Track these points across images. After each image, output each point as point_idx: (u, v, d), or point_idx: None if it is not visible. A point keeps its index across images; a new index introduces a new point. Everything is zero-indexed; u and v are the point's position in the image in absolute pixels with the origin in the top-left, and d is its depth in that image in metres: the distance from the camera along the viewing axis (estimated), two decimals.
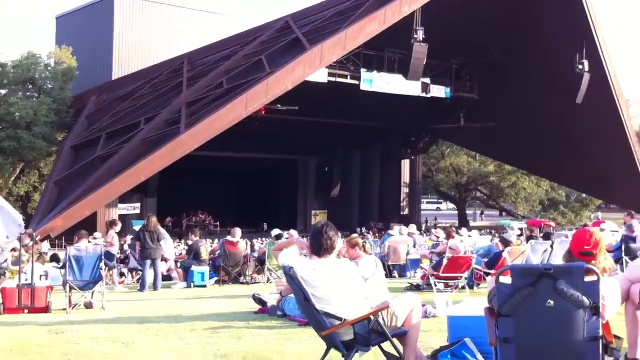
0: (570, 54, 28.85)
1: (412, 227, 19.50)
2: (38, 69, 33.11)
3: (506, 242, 12.04)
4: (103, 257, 10.36)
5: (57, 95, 31.63)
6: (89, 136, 28.22)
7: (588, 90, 28.32)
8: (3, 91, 33.21)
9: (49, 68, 33.75)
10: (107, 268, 14.61)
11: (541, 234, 17.61)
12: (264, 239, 25.20)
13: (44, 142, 30.18)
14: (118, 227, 15.07)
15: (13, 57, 33.60)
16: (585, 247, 4.12)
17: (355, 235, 9.31)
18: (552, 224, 33.18)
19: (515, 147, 35.75)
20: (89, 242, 11.15)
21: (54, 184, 24.97)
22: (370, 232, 32.94)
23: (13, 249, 12.25)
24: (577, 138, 31.41)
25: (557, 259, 10.75)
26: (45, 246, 21.04)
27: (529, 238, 15.94)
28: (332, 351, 4.69)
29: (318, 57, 25.02)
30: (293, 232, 16.15)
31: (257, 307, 8.77)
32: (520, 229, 27.09)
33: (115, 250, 15.31)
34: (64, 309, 9.66)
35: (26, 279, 10.02)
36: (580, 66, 28.50)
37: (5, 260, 12.48)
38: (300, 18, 30.40)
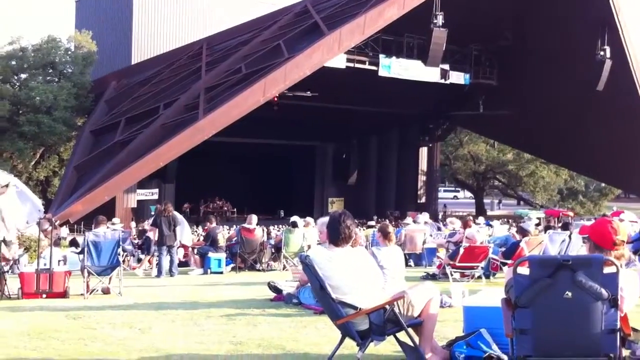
0: (591, 41, 28.46)
1: (425, 216, 19.41)
2: (58, 54, 33.28)
3: (524, 232, 11.96)
4: (121, 243, 10.43)
5: (77, 80, 31.80)
6: (108, 121, 28.35)
7: (609, 78, 27.95)
8: (23, 75, 33.45)
9: (69, 52, 33.91)
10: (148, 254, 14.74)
11: (559, 224, 17.46)
12: (280, 226, 25.22)
13: (64, 127, 30.36)
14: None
15: (33, 41, 33.78)
16: (617, 237, 4.06)
17: (387, 223, 9.30)
18: (571, 213, 32.96)
19: (534, 136, 35.44)
20: (107, 227, 11.21)
21: (74, 168, 25.15)
22: (387, 220, 32.86)
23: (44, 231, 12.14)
24: (596, 126, 31.05)
25: (576, 250, 10.68)
26: (64, 231, 21.26)
27: (547, 228, 15.81)
28: (347, 340, 4.69)
29: (337, 43, 24.91)
30: (310, 219, 16.16)
31: (272, 294, 8.79)
32: (539, 219, 26.92)
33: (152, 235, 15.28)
34: (81, 294, 9.75)
35: (45, 264, 10.11)
36: (602, 53, 28.11)
37: (20, 256, 12.50)
38: (319, 3, 30.25)
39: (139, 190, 27.72)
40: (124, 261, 12.52)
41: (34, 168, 33.08)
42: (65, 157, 32.82)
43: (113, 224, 14.50)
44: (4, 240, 9.89)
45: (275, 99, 25.75)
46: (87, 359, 5.47)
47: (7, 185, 10.14)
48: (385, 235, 7.41)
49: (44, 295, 9.60)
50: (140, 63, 35.98)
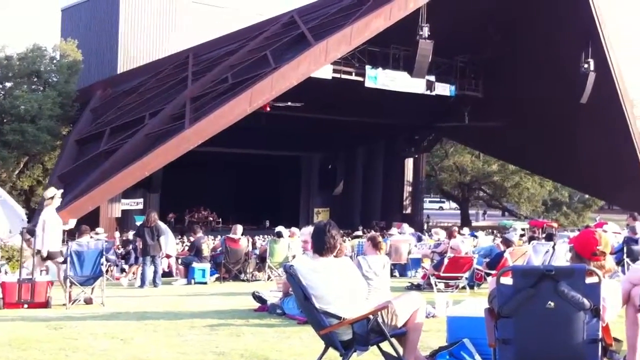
0: (575, 53, 28.72)
1: (405, 227, 19.44)
2: (43, 62, 33.11)
3: (508, 243, 12.00)
4: (105, 253, 10.35)
5: (62, 89, 31.63)
6: (93, 130, 28.22)
7: (593, 90, 28.20)
8: (8, 84, 33.25)
9: (55, 61, 33.75)
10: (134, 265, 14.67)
11: (543, 235, 17.55)
12: (265, 236, 25.17)
13: (48, 136, 30.18)
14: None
15: (19, 49, 33.61)
16: (598, 248, 4.09)
17: (377, 233, 9.37)
18: (555, 224, 33.17)
19: (519, 147, 35.66)
20: (90, 237, 11.13)
21: (58, 178, 24.98)
22: (372, 231, 32.86)
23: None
24: (581, 138, 31.29)
25: (559, 260, 10.73)
26: None
27: (531, 239, 15.89)
28: (331, 350, 4.67)
29: (323, 53, 24.99)
30: (295, 229, 16.14)
31: (257, 304, 8.75)
32: (523, 230, 27.05)
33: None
34: (63, 305, 9.66)
35: (27, 274, 10.02)
36: (585, 65, 28.37)
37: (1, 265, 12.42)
38: (305, 13, 30.35)
39: (123, 200, 27.54)
40: (107, 271, 12.43)
41: (17, 177, 32.82)
42: (49, 166, 32.59)
43: (97, 233, 14.41)
44: None
45: (267, 107, 25.75)
46: None
47: (52, 197, 10.40)
48: (375, 245, 7.42)
49: (26, 305, 9.50)
50: (126, 72, 35.89)
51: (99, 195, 22.27)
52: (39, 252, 10.30)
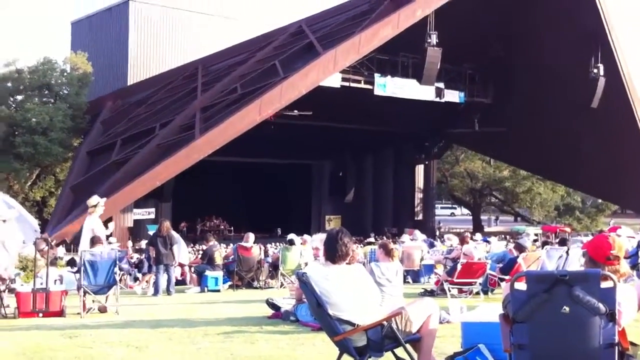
0: (585, 58, 28.65)
1: (417, 233, 19.38)
2: (54, 75, 33.35)
3: (521, 248, 11.96)
4: (118, 262, 10.41)
5: (72, 101, 31.85)
6: (104, 142, 28.38)
7: (603, 95, 28.12)
8: (20, 97, 33.51)
9: (65, 74, 33.98)
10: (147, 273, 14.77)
11: (557, 240, 17.47)
12: (277, 244, 25.17)
13: (60, 148, 30.37)
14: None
15: (29, 63, 33.89)
16: (612, 252, 4.08)
17: (388, 240, 9.41)
18: (568, 229, 32.98)
19: (530, 152, 35.54)
20: (104, 247, 11.19)
21: (70, 189, 25.12)
22: (384, 237, 32.82)
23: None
24: (592, 143, 31.17)
25: (573, 265, 10.68)
26: (61, 251, 21.19)
27: (544, 244, 15.82)
28: (345, 357, 4.67)
29: (332, 62, 25.03)
30: (307, 237, 16.15)
31: (270, 311, 8.76)
32: (536, 235, 26.90)
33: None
34: (78, 314, 9.71)
35: (41, 283, 10.08)
36: (595, 70, 28.29)
37: (17, 275, 12.51)
38: (313, 23, 30.44)
39: (135, 210, 27.68)
40: (120, 280, 12.48)
41: (30, 189, 33.04)
42: (61, 177, 32.80)
43: (110, 243, 14.47)
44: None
45: (272, 118, 25.82)
46: None
47: (95, 205, 10.61)
48: (387, 252, 7.42)
49: (41, 315, 9.56)
50: (136, 84, 36.08)
51: (111, 206, 22.30)
52: None
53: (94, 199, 11.01)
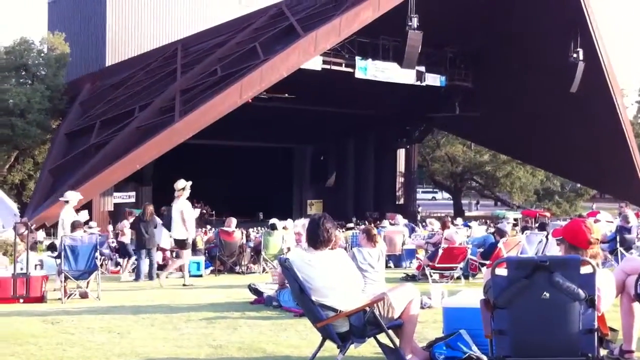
0: (564, 43, 28.76)
1: (398, 218, 19.44)
2: (31, 56, 32.96)
3: (502, 233, 12.05)
4: (98, 247, 10.34)
5: (50, 82, 31.50)
6: (83, 124, 28.10)
7: (582, 79, 28.28)
8: None
9: (42, 54, 33.57)
10: (127, 258, 14.75)
11: (536, 225, 17.64)
12: (259, 228, 25.15)
13: (38, 130, 30.07)
14: (131, 219, 15.13)
15: (5, 43, 33.44)
16: (592, 235, 4.14)
17: (371, 226, 9.38)
18: (547, 214, 33.28)
19: (510, 137, 35.75)
20: (84, 231, 11.11)
21: (49, 172, 24.88)
22: (366, 222, 32.91)
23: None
24: (571, 127, 31.40)
25: (553, 250, 10.79)
26: (40, 235, 21.02)
27: (524, 229, 15.97)
28: (328, 342, 4.70)
29: (312, 45, 24.95)
30: (290, 222, 16.16)
31: (252, 297, 8.77)
32: (516, 220, 27.13)
33: (127, 239, 15.33)
34: (59, 299, 9.65)
35: (21, 268, 10.00)
36: (574, 55, 28.43)
37: None
38: (294, 4, 30.27)
39: (115, 194, 27.49)
40: (101, 265, 12.41)
41: (8, 172, 32.69)
42: (40, 160, 32.47)
43: (90, 227, 14.39)
44: None
45: (250, 100, 25.71)
46: None
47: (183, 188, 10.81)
48: (370, 237, 7.42)
49: (21, 300, 9.48)
50: (114, 65, 35.73)
51: (90, 189, 22.17)
52: (183, 241, 10.70)
53: (181, 183, 10.96)
